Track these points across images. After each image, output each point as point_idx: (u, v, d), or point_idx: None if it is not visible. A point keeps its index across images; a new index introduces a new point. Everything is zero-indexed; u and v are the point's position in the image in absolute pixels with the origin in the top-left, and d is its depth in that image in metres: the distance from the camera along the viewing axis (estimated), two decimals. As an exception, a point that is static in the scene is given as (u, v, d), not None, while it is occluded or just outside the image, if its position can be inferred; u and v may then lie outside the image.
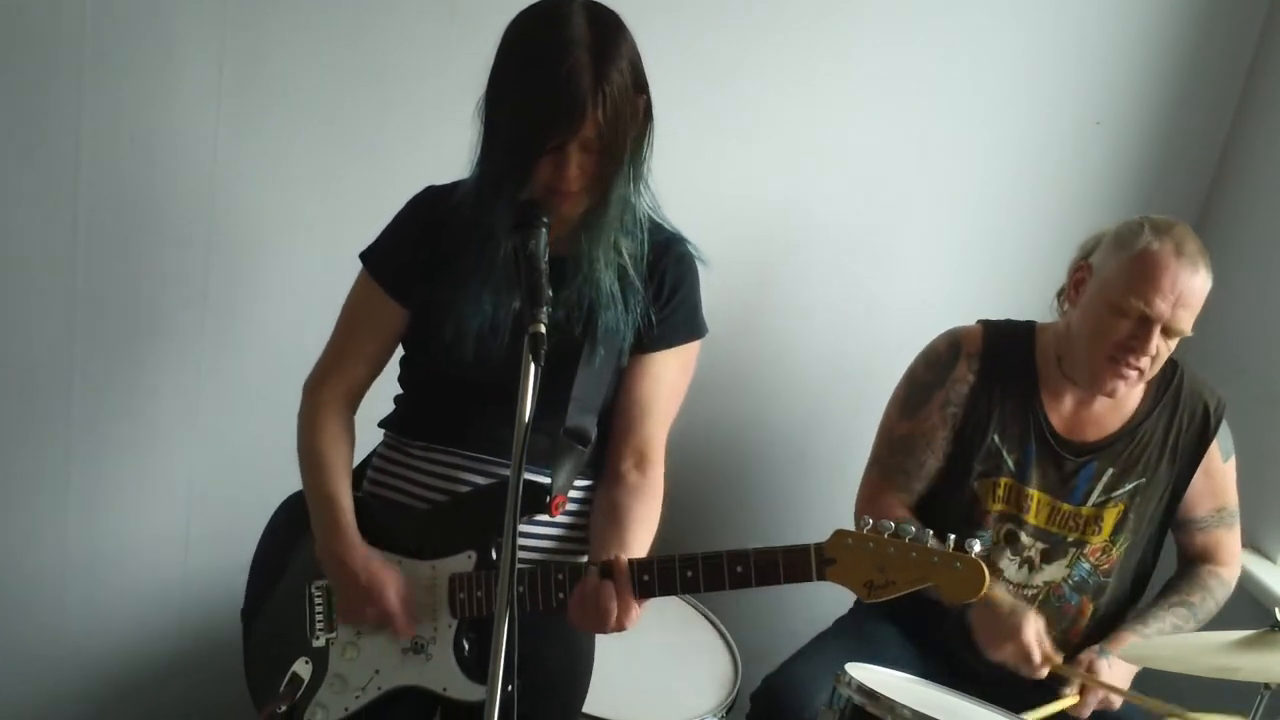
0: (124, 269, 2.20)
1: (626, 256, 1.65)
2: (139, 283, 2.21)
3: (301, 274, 2.23)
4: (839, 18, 2.37)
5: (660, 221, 1.73)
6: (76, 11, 2.02)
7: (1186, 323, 1.93)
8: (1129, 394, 2.07)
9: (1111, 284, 1.94)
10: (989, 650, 1.99)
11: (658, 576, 1.53)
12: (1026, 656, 1.95)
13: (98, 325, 2.21)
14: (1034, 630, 1.96)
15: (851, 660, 1.93)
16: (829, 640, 2.17)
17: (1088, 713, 2.02)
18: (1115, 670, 2.03)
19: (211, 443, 2.33)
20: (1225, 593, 2.15)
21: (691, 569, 1.51)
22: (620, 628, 1.54)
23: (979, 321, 2.15)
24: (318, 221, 2.22)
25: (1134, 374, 1.96)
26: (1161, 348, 1.95)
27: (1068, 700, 2.00)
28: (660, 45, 2.23)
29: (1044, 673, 1.97)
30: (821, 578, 1.47)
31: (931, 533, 1.43)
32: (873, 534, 1.44)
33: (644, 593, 1.54)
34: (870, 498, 2.15)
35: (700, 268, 1.76)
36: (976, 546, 1.41)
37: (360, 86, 2.19)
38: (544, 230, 1.51)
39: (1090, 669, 2.02)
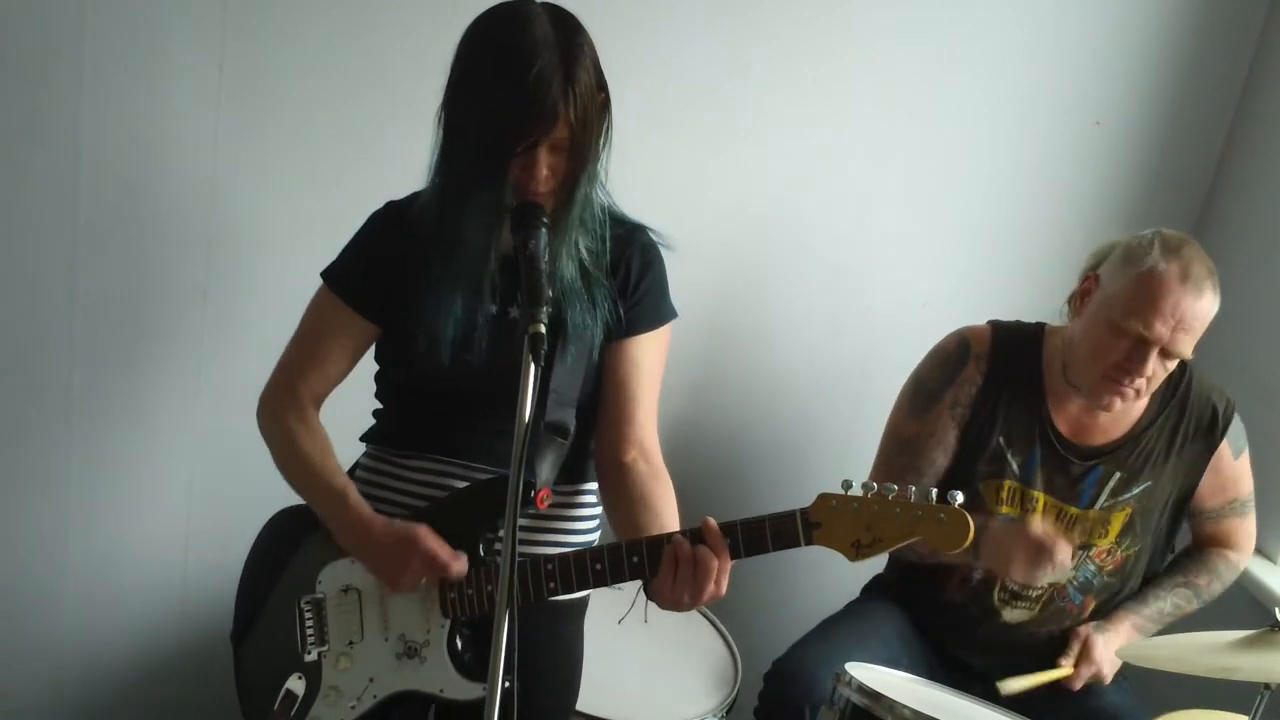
0: (124, 269, 2.20)
1: (585, 251, 1.65)
2: (139, 283, 2.21)
3: (301, 274, 2.21)
4: (836, 18, 2.37)
5: (618, 214, 1.72)
6: (76, 12, 2.02)
7: (1186, 346, 1.91)
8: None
9: (1114, 301, 1.93)
10: (1012, 571, 1.93)
11: (648, 556, 1.53)
12: (1042, 548, 1.90)
13: (98, 325, 2.21)
14: (1039, 526, 1.93)
15: (860, 642, 1.94)
16: (839, 623, 2.18)
17: (1080, 684, 2.03)
18: (1110, 647, 2.04)
19: (211, 443, 2.33)
20: (1233, 575, 2.16)
21: (637, 555, 1.53)
22: (717, 594, 1.51)
23: (989, 322, 2.15)
24: (318, 221, 2.21)
25: (1130, 392, 1.96)
26: (1159, 369, 1.94)
27: (1063, 671, 2.01)
28: (655, 47, 2.25)
29: (1067, 553, 1.91)
30: (810, 542, 1.47)
31: (913, 489, 1.44)
32: (855, 495, 1.45)
33: (598, 580, 1.56)
34: None
35: (666, 254, 1.75)
36: (959, 498, 1.42)
37: (360, 86, 2.19)
38: (544, 230, 1.52)
39: (1086, 644, 2.03)
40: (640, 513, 1.66)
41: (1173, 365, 1.96)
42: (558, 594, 1.59)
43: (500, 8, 1.57)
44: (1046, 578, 1.94)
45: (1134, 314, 1.89)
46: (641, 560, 1.53)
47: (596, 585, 1.58)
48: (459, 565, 1.61)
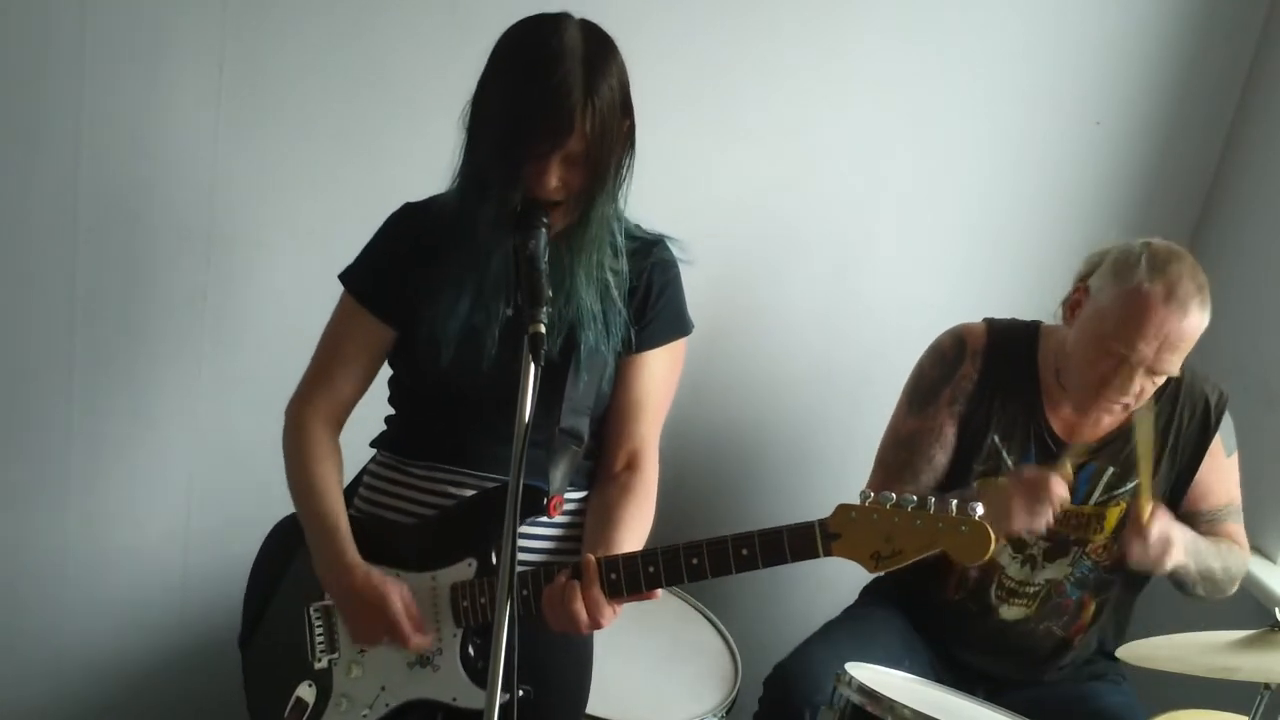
0: (124, 269, 2.20)
1: (610, 274, 1.64)
2: (139, 283, 2.21)
3: (301, 274, 2.23)
4: (836, 18, 2.37)
5: (635, 230, 1.72)
6: (75, 12, 2.02)
7: (1172, 365, 1.90)
8: None
9: (1101, 318, 1.92)
10: (1015, 522, 1.88)
11: (666, 569, 1.52)
12: (1036, 487, 1.88)
13: (98, 325, 2.21)
14: (1030, 469, 1.92)
15: (861, 646, 1.93)
16: (839, 627, 2.18)
17: (1154, 534, 1.92)
18: (1173, 530, 1.94)
19: (211, 443, 2.33)
20: (1241, 563, 2.10)
21: (697, 556, 1.50)
22: (595, 626, 1.54)
23: (984, 320, 2.15)
24: (317, 221, 2.22)
25: (1117, 407, 1.97)
26: (1147, 385, 1.93)
27: (1146, 507, 1.91)
28: (655, 47, 2.25)
29: (1062, 487, 1.88)
30: (828, 554, 1.46)
31: (933, 499, 1.43)
32: (875, 505, 1.44)
33: (613, 592, 1.54)
34: None
35: (684, 267, 1.75)
36: (979, 509, 1.41)
37: (360, 87, 2.19)
38: (544, 231, 1.52)
39: (1155, 514, 1.93)
40: (599, 524, 1.67)
41: (1161, 380, 1.95)
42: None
43: (536, 16, 1.57)
44: (1047, 517, 1.88)
45: (1118, 336, 1.88)
46: (658, 571, 1.52)
47: (613, 595, 1.55)
48: (420, 640, 1.63)
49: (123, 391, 2.27)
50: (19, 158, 2.08)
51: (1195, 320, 1.89)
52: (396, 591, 1.62)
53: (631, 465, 1.73)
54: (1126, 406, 1.97)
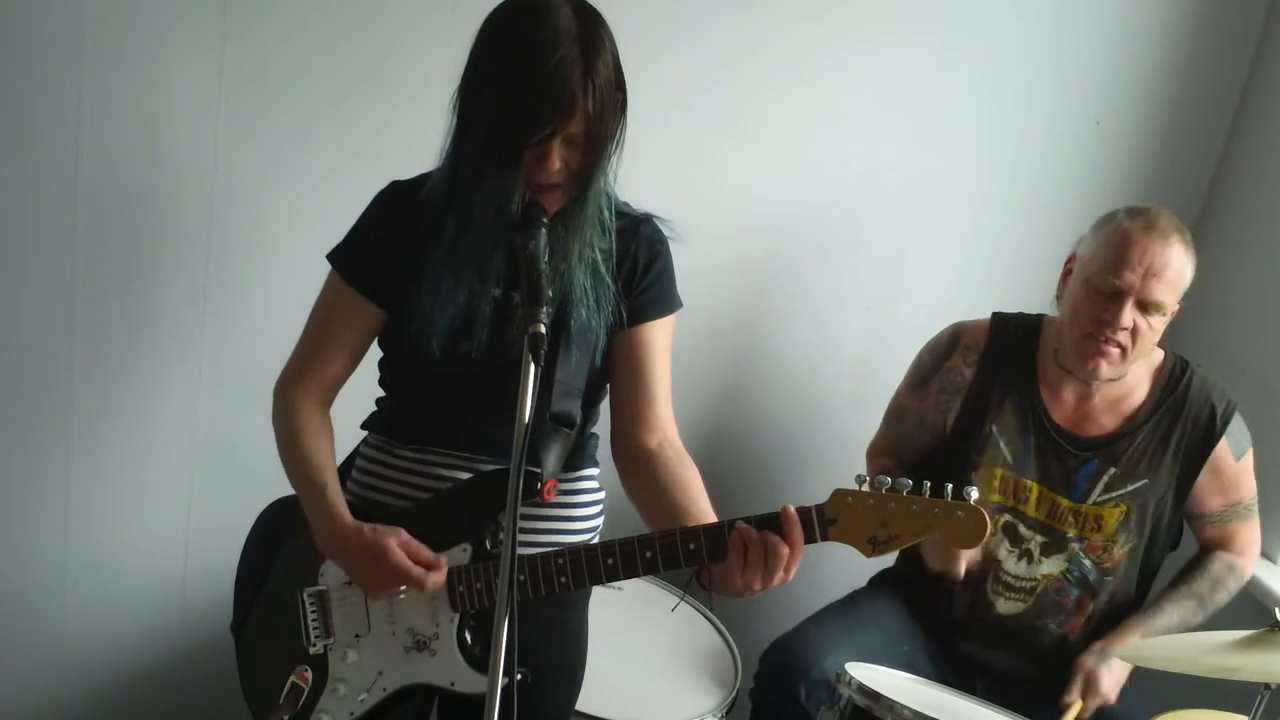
0: (124, 268, 2.19)
1: (599, 253, 1.64)
2: (139, 282, 2.21)
3: (301, 273, 2.21)
4: (838, 16, 2.37)
5: (622, 207, 1.71)
6: (76, 12, 2.02)
7: (1163, 294, 1.93)
8: (1132, 391, 2.08)
9: (1087, 264, 1.99)
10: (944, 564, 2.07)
11: (660, 550, 1.51)
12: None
13: (98, 324, 2.21)
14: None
15: (860, 628, 1.95)
16: (841, 607, 2.21)
17: (1088, 715, 2.02)
18: (1115, 673, 2.03)
19: (211, 443, 2.33)
20: (1238, 582, 2.14)
21: (694, 541, 1.50)
22: (785, 580, 1.50)
23: (992, 314, 2.19)
24: (318, 220, 2.20)
25: (1114, 350, 1.97)
26: (1140, 322, 1.95)
27: (1073, 711, 1.99)
28: (659, 42, 2.25)
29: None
30: (825, 538, 1.47)
31: (928, 484, 1.44)
32: (871, 491, 1.44)
33: (610, 575, 1.55)
34: (871, 456, 2.29)
35: (681, 262, 1.74)
36: (974, 494, 1.42)
37: (360, 84, 2.19)
38: (544, 230, 1.52)
39: (1091, 677, 2.02)
40: (678, 496, 1.63)
41: (1157, 323, 1.97)
42: (569, 589, 1.58)
43: None
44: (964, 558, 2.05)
45: (1105, 269, 1.94)
46: (655, 556, 1.52)
47: (609, 580, 1.56)
48: (435, 578, 1.59)
49: (123, 391, 2.27)
50: (19, 158, 2.08)
51: (1178, 250, 1.94)
52: (394, 538, 1.59)
53: (669, 441, 1.70)
54: (1122, 349, 1.97)
